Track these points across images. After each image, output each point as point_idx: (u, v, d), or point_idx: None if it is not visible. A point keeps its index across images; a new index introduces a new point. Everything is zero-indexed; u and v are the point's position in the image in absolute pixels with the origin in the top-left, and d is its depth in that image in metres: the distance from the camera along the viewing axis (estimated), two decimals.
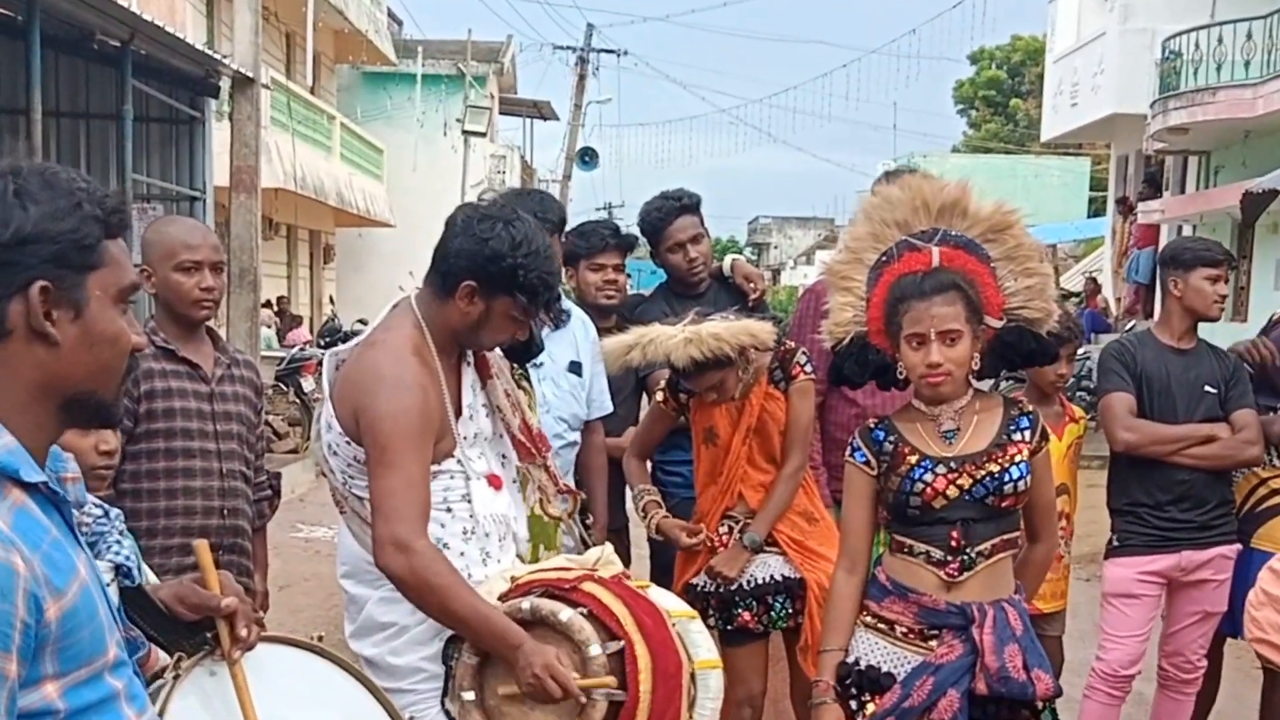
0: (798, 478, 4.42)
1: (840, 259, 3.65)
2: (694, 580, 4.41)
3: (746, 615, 4.38)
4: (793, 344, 4.46)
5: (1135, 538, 4.96)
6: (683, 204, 5.26)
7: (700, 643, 3.24)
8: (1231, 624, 4.92)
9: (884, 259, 3.54)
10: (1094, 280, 25.08)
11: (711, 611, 4.34)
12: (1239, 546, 5.00)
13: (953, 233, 3.53)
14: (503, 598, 3.13)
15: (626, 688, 2.98)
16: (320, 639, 2.83)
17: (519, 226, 3.19)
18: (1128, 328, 17.70)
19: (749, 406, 4.37)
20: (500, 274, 3.16)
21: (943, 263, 3.47)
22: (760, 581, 4.38)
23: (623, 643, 3.01)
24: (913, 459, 3.44)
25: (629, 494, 4.89)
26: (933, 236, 3.52)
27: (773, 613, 4.39)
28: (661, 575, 4.63)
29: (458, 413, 3.26)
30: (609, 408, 4.90)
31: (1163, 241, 19.82)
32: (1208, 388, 4.89)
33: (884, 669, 3.43)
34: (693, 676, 3.15)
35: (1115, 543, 5.01)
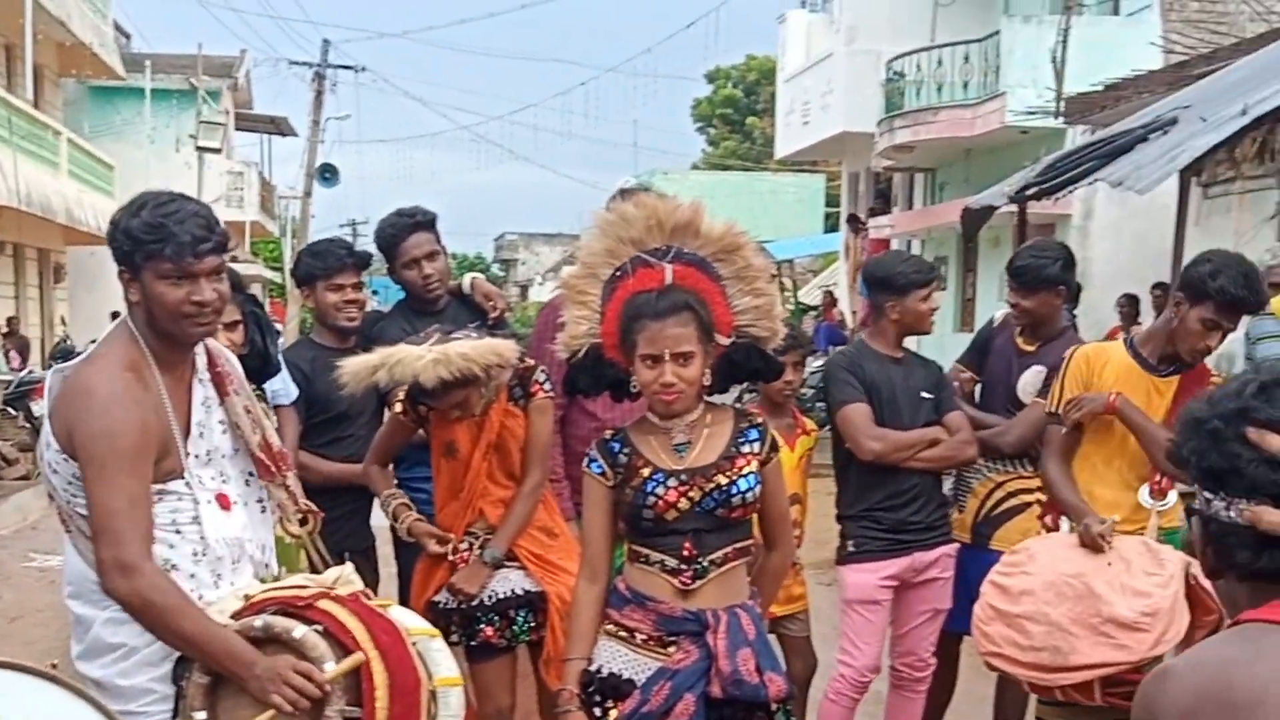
0: (538, 494, 4.46)
1: (576, 273, 3.70)
2: (435, 598, 4.40)
3: (489, 630, 4.38)
4: (532, 361, 4.50)
5: (871, 543, 5.04)
6: (416, 221, 5.24)
7: (441, 660, 3.24)
8: (958, 621, 5.03)
9: (618, 274, 3.59)
10: (830, 294, 25.77)
11: (454, 628, 4.33)
12: (957, 545, 5.19)
13: (685, 251, 3.60)
14: (236, 616, 3.08)
15: (363, 705, 2.97)
16: (55, 666, 2.74)
17: (137, 200, 3.11)
18: None
19: (489, 422, 4.38)
20: (121, 243, 3.07)
21: (676, 280, 3.54)
22: (502, 596, 4.39)
23: (360, 658, 2.99)
24: (646, 471, 3.51)
25: (376, 508, 4.85)
26: (666, 254, 3.58)
27: (515, 627, 4.40)
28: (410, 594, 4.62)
29: (186, 431, 3.19)
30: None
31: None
32: (924, 394, 5.07)
33: (625, 675, 3.49)
34: (433, 694, 3.14)
35: (852, 548, 5.08)
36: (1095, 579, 4.25)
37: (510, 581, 4.40)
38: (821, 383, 5.21)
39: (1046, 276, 5.19)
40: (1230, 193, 13.39)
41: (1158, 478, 4.55)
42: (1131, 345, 4.67)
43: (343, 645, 3.00)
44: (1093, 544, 4.37)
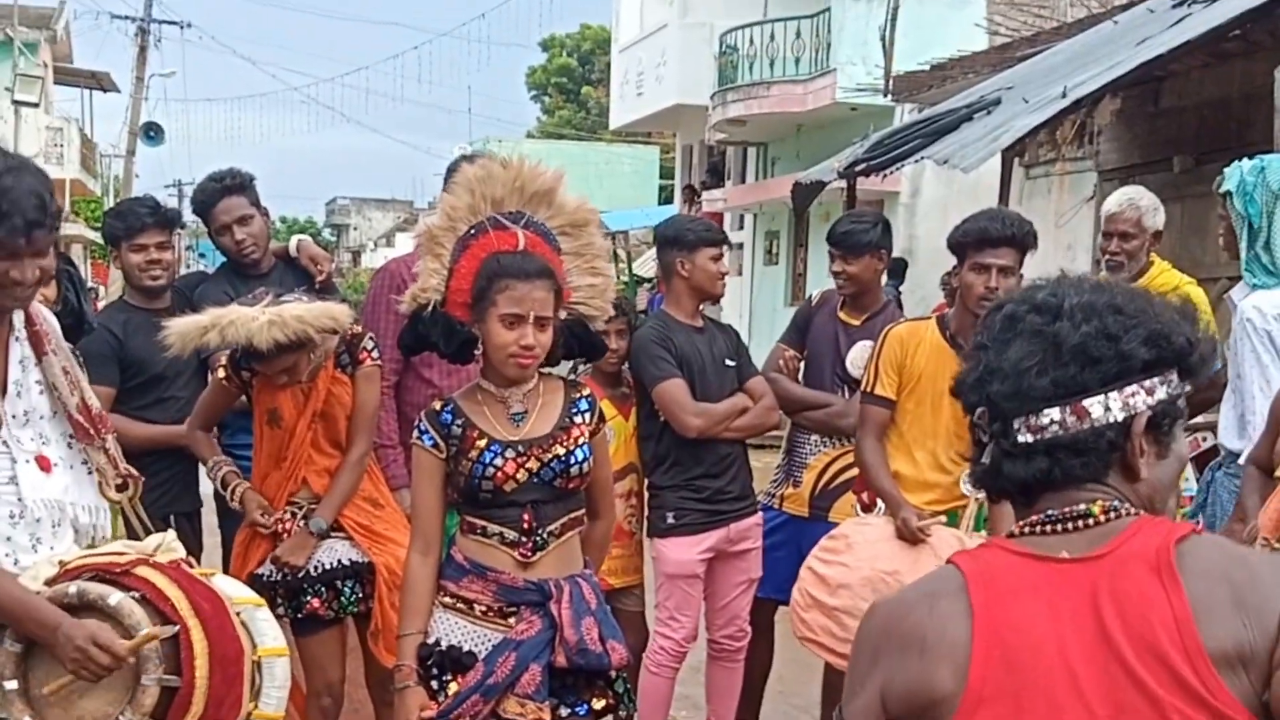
0: (363, 463, 4.41)
1: (438, 224, 3.64)
2: (259, 570, 4.31)
3: (316, 602, 4.32)
4: (360, 328, 4.44)
5: (691, 514, 5.05)
6: (227, 184, 5.14)
7: (266, 630, 3.18)
8: (778, 589, 5.09)
9: (473, 231, 3.57)
10: None
11: (279, 600, 4.25)
12: (768, 514, 5.28)
13: (535, 219, 3.60)
14: (50, 583, 2.98)
15: (182, 673, 2.90)
16: None
17: None
18: None
19: (315, 390, 4.32)
20: None
21: (527, 247, 3.53)
22: (328, 567, 4.33)
23: (177, 627, 2.92)
24: (482, 443, 3.48)
25: (203, 474, 4.77)
26: (519, 219, 3.57)
27: (342, 599, 4.35)
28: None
29: (2, 390, 3.08)
30: None
31: (728, 229, 20.74)
32: (727, 361, 5.12)
33: (465, 648, 3.46)
34: (257, 664, 3.09)
35: (671, 521, 5.07)
36: (908, 578, 4.35)
37: (336, 552, 4.34)
38: (631, 355, 5.17)
39: (867, 241, 5.32)
40: (1051, 174, 13.77)
41: None
42: (944, 325, 4.74)
43: (161, 613, 2.93)
44: (910, 537, 4.47)
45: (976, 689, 1.72)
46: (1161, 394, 1.81)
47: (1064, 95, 8.51)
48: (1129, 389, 1.79)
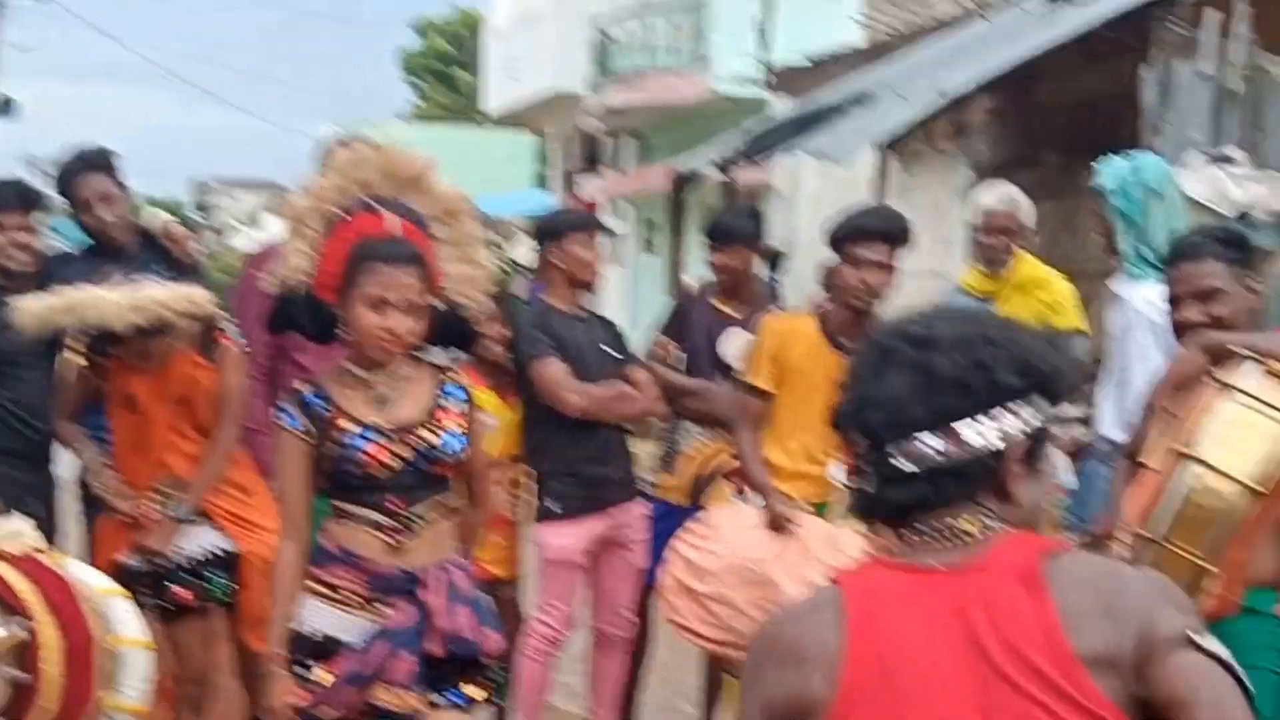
0: (230, 447, 4.34)
1: (305, 203, 3.60)
2: (124, 559, 4.22)
3: (183, 591, 4.25)
4: (221, 312, 4.36)
5: (573, 501, 5.05)
6: (88, 162, 5.01)
7: (125, 620, 3.12)
8: (652, 577, 5.05)
9: (342, 215, 3.52)
10: None
11: (144, 590, 4.14)
12: (651, 502, 5.27)
13: (408, 205, 3.57)
14: None
15: (30, 669, 2.82)
16: None
17: None
18: None
19: (173, 374, 4.25)
20: None
21: (397, 232, 3.49)
22: (195, 556, 4.26)
23: (27, 635, 2.84)
24: (349, 426, 3.42)
25: (58, 456, 4.71)
26: (390, 205, 3.53)
27: (210, 587, 4.28)
28: None
29: None
30: None
31: (603, 217, 20.70)
32: (609, 351, 5.13)
33: (336, 636, 3.41)
34: (113, 654, 3.01)
35: (553, 507, 5.06)
36: (774, 566, 4.42)
37: (204, 540, 4.28)
38: (510, 341, 5.15)
39: (741, 231, 5.39)
40: (926, 168, 13.96)
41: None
42: (823, 320, 4.77)
43: (9, 606, 2.84)
44: (779, 527, 4.51)
45: (849, 694, 1.78)
46: (1031, 419, 1.88)
47: (941, 95, 8.63)
48: (1002, 415, 1.86)
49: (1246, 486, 3.02)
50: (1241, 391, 3.11)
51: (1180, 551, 3.07)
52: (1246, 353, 3.18)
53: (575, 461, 5.06)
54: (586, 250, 5.13)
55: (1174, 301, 3.56)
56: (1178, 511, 3.08)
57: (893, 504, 1.89)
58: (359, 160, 3.59)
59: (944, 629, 1.78)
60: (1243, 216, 6.75)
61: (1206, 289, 3.46)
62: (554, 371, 4.98)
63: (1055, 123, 10.81)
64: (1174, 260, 3.60)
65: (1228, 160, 7.12)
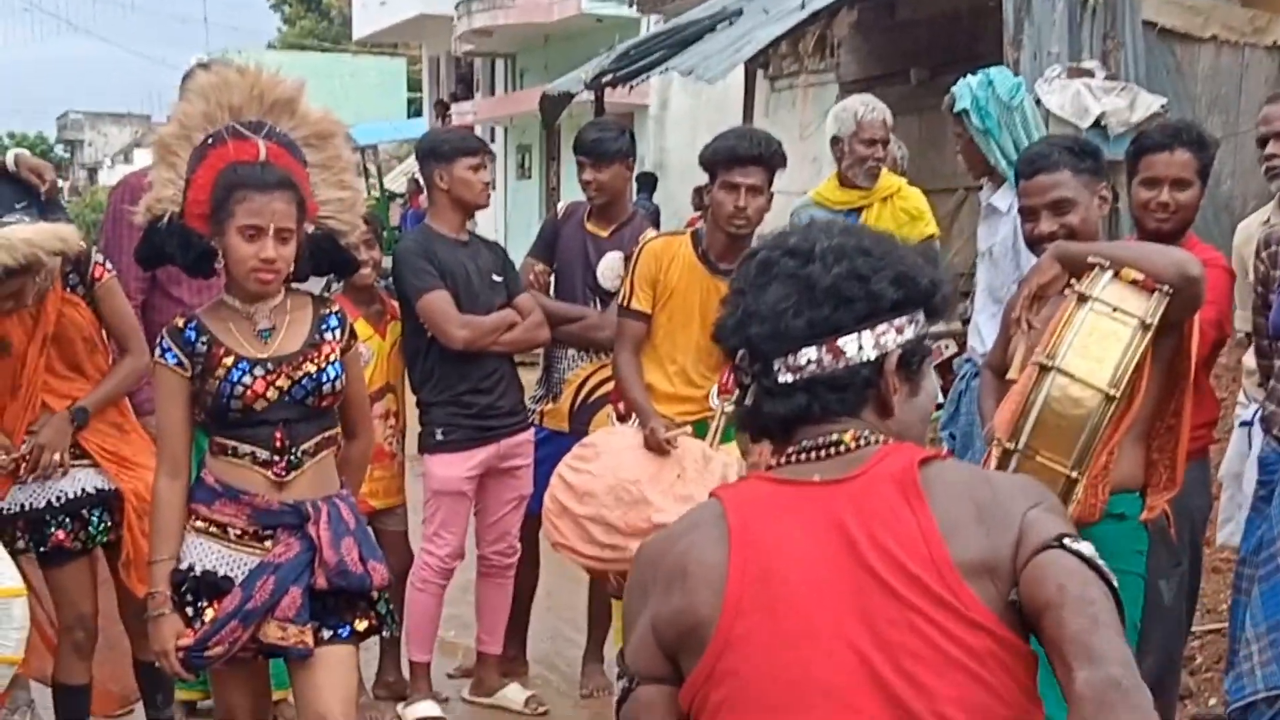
0: (140, 371, 4.23)
1: (171, 131, 3.53)
2: None
3: (61, 534, 4.13)
4: (87, 246, 4.26)
5: (459, 431, 5.03)
6: None
7: (0, 570, 3.06)
8: (536, 504, 5.06)
9: (210, 141, 3.45)
10: (417, 181, 25.52)
11: (20, 534, 4.08)
12: (533, 430, 5.27)
13: (278, 129, 3.51)
14: None
15: None
16: None
17: None
18: None
19: (45, 314, 4.10)
20: None
21: (269, 158, 3.44)
22: (72, 496, 4.15)
23: None
24: (229, 361, 3.39)
25: None
26: (260, 129, 3.48)
27: (90, 528, 4.18)
28: None
29: None
30: None
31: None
32: (494, 277, 5.09)
33: (221, 573, 3.39)
34: None
35: (440, 437, 5.05)
36: (650, 487, 4.47)
37: (81, 480, 4.17)
38: (392, 270, 5.13)
39: (615, 149, 5.33)
40: (795, 86, 14.02)
41: (725, 377, 4.66)
42: (697, 242, 4.79)
43: None
44: (657, 448, 4.56)
45: (733, 604, 1.81)
46: (910, 333, 1.91)
47: (802, 7, 8.67)
48: (880, 327, 1.89)
49: (1107, 394, 3.07)
50: (1099, 301, 3.15)
51: (1047, 461, 3.12)
52: (1103, 262, 3.23)
53: (461, 392, 5.04)
54: (474, 174, 5.07)
55: (1027, 213, 3.62)
56: (1042, 421, 3.12)
57: (774, 417, 1.92)
58: (224, 84, 3.51)
59: (823, 539, 1.81)
60: (1097, 124, 6.93)
61: (1059, 200, 3.53)
62: (439, 303, 4.94)
63: (918, 38, 10.91)
64: (1026, 173, 3.63)
65: (1087, 74, 7.29)
